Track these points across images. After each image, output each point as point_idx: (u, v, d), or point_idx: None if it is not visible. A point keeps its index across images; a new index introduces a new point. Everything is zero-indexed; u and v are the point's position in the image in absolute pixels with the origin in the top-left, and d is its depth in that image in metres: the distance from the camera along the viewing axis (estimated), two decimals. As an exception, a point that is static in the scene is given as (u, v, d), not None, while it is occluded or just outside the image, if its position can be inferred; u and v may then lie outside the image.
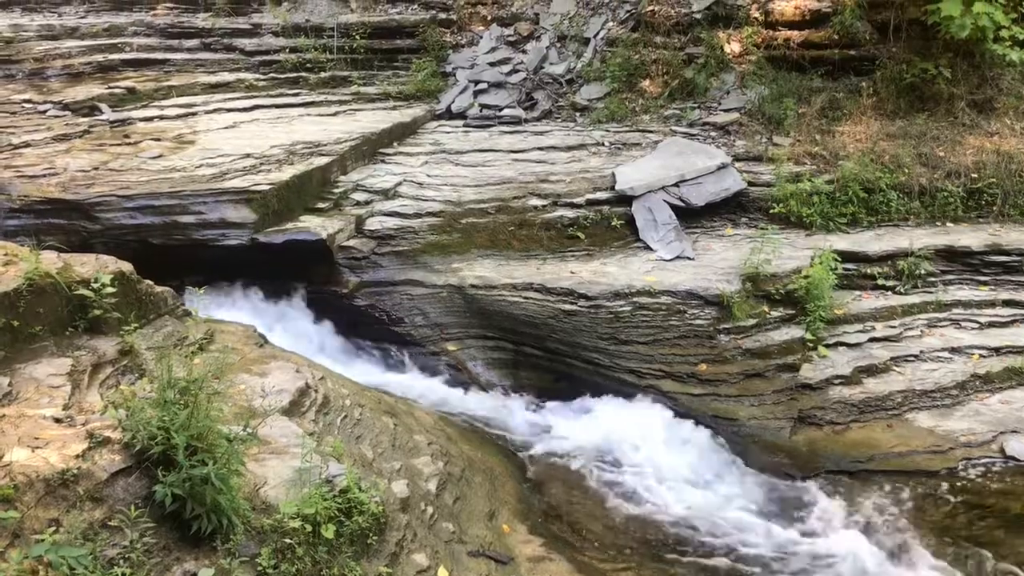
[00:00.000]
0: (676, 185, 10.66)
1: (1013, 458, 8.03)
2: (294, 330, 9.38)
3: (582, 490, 7.80)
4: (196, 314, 6.80)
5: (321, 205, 10.08)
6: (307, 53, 14.24)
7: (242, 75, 13.91)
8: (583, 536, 7.09)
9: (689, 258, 9.91)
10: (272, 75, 14.05)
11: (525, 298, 9.30)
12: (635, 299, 9.07)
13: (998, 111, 11.49)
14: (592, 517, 7.43)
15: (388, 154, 11.60)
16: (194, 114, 12.06)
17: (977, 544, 7.00)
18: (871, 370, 8.99)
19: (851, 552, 6.81)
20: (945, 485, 7.78)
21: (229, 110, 12.36)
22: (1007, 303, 9.80)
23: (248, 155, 10.28)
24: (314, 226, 9.53)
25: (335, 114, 12.71)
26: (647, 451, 8.22)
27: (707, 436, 8.35)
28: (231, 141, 10.86)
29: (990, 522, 7.33)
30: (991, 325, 9.61)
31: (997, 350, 9.29)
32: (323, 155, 10.61)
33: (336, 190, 10.40)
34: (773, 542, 6.99)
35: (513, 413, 8.99)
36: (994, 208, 10.64)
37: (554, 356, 9.27)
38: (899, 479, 7.84)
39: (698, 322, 8.95)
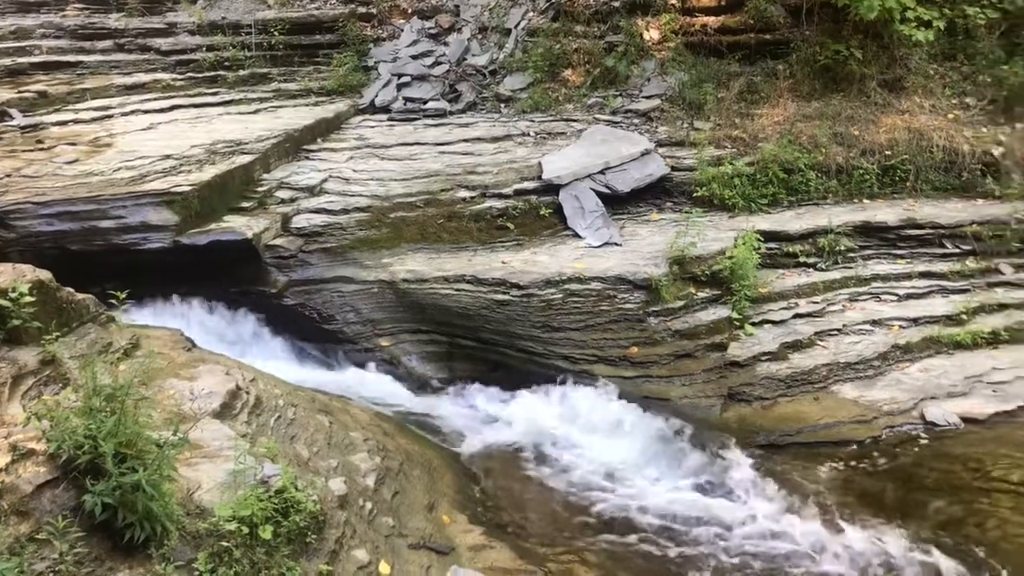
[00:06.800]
0: (602, 172, 10.78)
1: (933, 424, 8.37)
2: (223, 332, 9.25)
3: (521, 477, 7.87)
4: (120, 320, 6.64)
5: (245, 204, 9.92)
6: (225, 51, 13.98)
7: (159, 75, 13.58)
8: (524, 522, 7.14)
9: (617, 244, 10.04)
10: (190, 74, 13.75)
11: (457, 290, 9.31)
12: (566, 286, 9.15)
13: (907, 90, 11.86)
14: (532, 503, 7.49)
15: (312, 150, 11.47)
16: (110, 117, 11.74)
17: (901, 508, 7.25)
18: (796, 345, 9.26)
19: (781, 522, 7.00)
20: (870, 453, 8.06)
21: (146, 111, 12.06)
22: (923, 275, 10.16)
23: (168, 156, 10.07)
24: (239, 226, 9.38)
25: (256, 112, 12.52)
26: (583, 435, 8.34)
27: (641, 417, 8.45)
28: (149, 143, 10.62)
29: (913, 486, 7.59)
30: (909, 297, 9.97)
31: (915, 320, 9.65)
32: (245, 153, 10.45)
33: (260, 188, 10.25)
34: (707, 517, 7.12)
35: (450, 405, 9.02)
36: (907, 184, 11.00)
37: (489, 346, 9.32)
38: (827, 449, 8.10)
39: (628, 306, 9.08)
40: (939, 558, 6.56)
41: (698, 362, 8.95)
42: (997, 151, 10.96)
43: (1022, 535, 6.80)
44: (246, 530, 4.79)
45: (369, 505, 6.23)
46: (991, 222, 10.34)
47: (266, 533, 4.88)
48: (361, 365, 9.44)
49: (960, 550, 6.66)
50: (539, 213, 10.45)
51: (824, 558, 6.62)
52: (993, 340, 9.45)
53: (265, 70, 14.03)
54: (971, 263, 10.21)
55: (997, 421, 8.46)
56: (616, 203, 10.73)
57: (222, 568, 4.55)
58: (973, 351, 9.37)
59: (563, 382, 8.90)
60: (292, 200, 10.18)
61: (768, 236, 10.02)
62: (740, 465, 7.79)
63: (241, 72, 13.83)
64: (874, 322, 9.59)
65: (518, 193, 10.57)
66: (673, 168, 11.05)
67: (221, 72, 13.81)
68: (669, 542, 6.90)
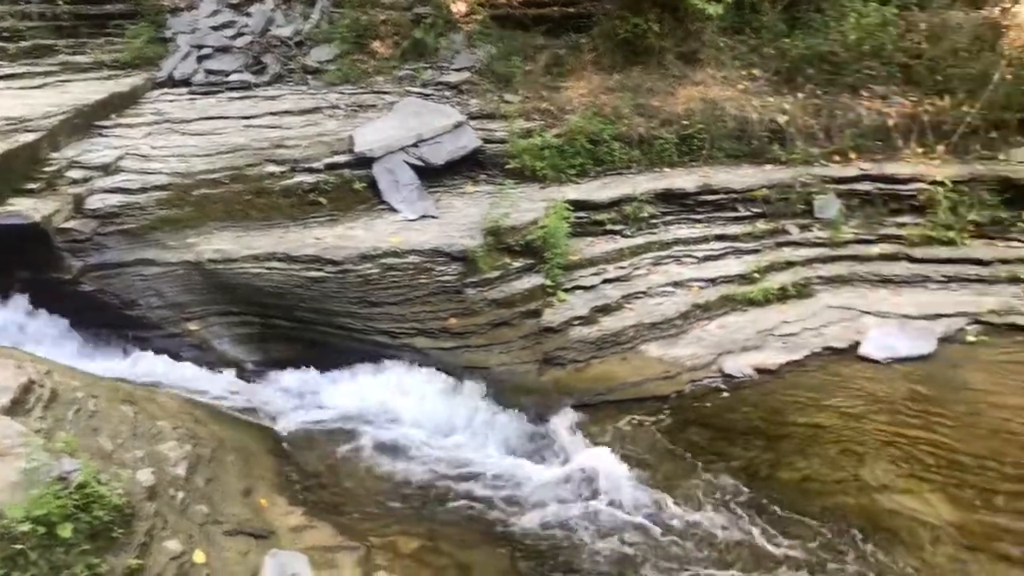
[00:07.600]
0: (415, 145, 10.75)
1: (730, 375, 8.93)
2: (14, 324, 8.66)
3: (342, 455, 7.85)
4: None
5: (32, 186, 9.17)
6: (3, 21, 12.86)
7: (-76, 48, 12.37)
8: (345, 500, 7.14)
9: (433, 217, 10.06)
10: (-38, 47, 12.60)
11: (269, 268, 9.03)
12: (383, 260, 9.07)
13: (702, 62, 12.42)
14: (354, 480, 7.50)
15: (106, 127, 10.76)
16: None
17: (705, 456, 7.73)
18: (606, 309, 9.60)
19: (594, 476, 7.33)
20: (675, 406, 8.50)
21: (-88, 88, 11.00)
22: (719, 237, 10.72)
23: (-61, 136, 9.23)
24: (25, 209, 8.69)
25: (41, 87, 11.60)
26: (404, 408, 8.41)
27: (462, 386, 8.61)
28: (-83, 122, 9.69)
29: (715, 433, 8.08)
30: (707, 259, 10.51)
31: (713, 281, 10.21)
32: (29, 131, 9.66)
33: (49, 168, 9.52)
34: (524, 480, 7.37)
35: (265, 387, 8.86)
36: (703, 152, 11.53)
37: (305, 325, 9.14)
38: (636, 406, 8.47)
39: (446, 278, 9.13)
40: (739, 499, 7.07)
41: (515, 329, 9.14)
42: (782, 119, 11.68)
43: (807, 473, 7.42)
44: (42, 530, 4.56)
45: (181, 494, 6.03)
46: (778, 186, 11.02)
47: (65, 531, 4.65)
48: (168, 351, 9.04)
49: (756, 490, 7.18)
50: (353, 187, 10.30)
51: (633, 510, 6.99)
52: (782, 296, 10.13)
53: (50, 42, 12.97)
54: (761, 225, 10.87)
55: (787, 370, 9.08)
56: (431, 176, 10.73)
57: (16, 572, 4.31)
58: (764, 307, 10.01)
59: (384, 357, 8.89)
60: (85, 180, 9.52)
61: (577, 205, 10.30)
62: (555, 426, 8.07)
63: (22, 44, 12.73)
64: (676, 284, 10.08)
65: (330, 167, 10.36)
66: (485, 140, 11.16)
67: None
68: (488, 507, 7.09)
